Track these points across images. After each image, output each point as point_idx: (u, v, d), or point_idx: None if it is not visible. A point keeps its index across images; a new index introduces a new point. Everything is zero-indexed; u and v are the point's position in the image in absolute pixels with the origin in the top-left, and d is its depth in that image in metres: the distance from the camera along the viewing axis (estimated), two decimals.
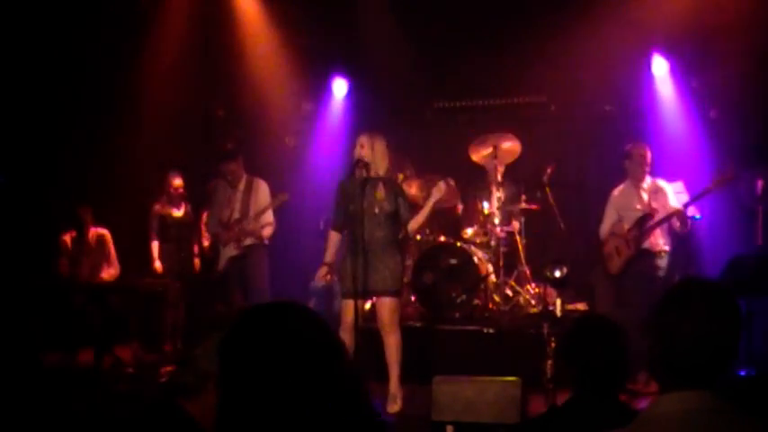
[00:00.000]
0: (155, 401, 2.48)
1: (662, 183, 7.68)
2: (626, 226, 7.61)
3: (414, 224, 6.78)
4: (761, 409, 2.02)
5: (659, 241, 7.55)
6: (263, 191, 7.94)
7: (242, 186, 7.97)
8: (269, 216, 7.92)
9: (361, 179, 6.56)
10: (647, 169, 7.65)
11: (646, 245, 7.52)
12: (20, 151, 9.58)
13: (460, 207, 9.38)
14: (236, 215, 7.90)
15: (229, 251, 7.88)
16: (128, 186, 10.07)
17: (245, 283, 7.86)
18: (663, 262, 7.50)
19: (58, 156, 9.93)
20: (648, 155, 7.61)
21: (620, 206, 7.75)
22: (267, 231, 7.95)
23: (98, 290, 8.89)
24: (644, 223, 7.51)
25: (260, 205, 7.87)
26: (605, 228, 7.83)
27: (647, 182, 7.67)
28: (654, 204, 7.56)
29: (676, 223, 7.47)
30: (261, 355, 1.69)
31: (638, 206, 7.61)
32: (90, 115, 9.99)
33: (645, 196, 7.62)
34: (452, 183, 7.98)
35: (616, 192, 7.84)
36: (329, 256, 6.84)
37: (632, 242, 7.50)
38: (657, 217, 7.49)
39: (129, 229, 9.69)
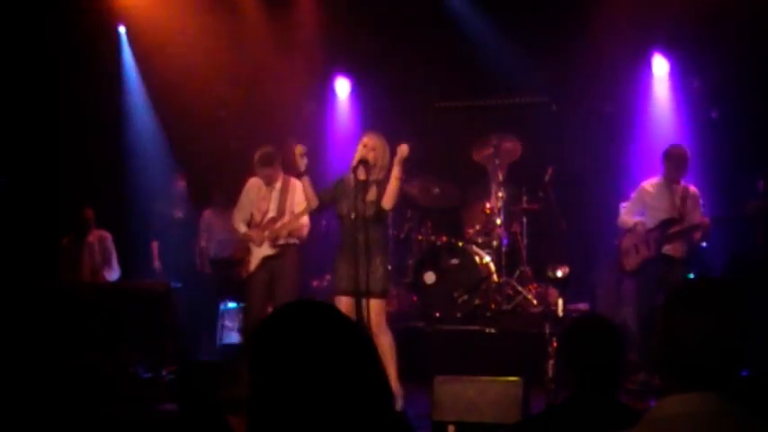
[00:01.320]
0: (200, 417, 2.44)
1: (693, 189, 7.61)
2: (648, 224, 7.54)
3: (387, 200, 6.55)
4: (764, 411, 2.01)
5: (682, 248, 7.49)
6: (300, 191, 7.85)
7: (278, 185, 7.87)
8: (305, 217, 7.85)
9: (359, 181, 6.53)
10: (684, 172, 7.57)
11: (668, 250, 7.45)
12: (21, 152, 9.60)
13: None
14: (272, 214, 7.80)
15: (264, 251, 7.77)
16: (130, 187, 10.10)
17: (274, 281, 7.75)
18: (679, 269, 7.44)
19: (59, 156, 9.95)
20: (687, 157, 7.52)
21: (649, 201, 7.63)
22: (305, 231, 7.86)
23: (99, 291, 8.89)
24: (668, 227, 7.44)
25: (297, 205, 7.77)
26: (627, 219, 7.72)
27: (681, 185, 7.59)
28: (683, 210, 7.49)
29: (698, 234, 7.44)
30: (292, 352, 1.69)
31: (668, 207, 7.51)
32: (91, 115, 10.01)
33: (676, 199, 7.56)
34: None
35: (648, 186, 7.69)
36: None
37: (653, 244, 7.43)
38: (684, 224, 7.44)
39: (131, 229, 9.70)
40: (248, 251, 7.82)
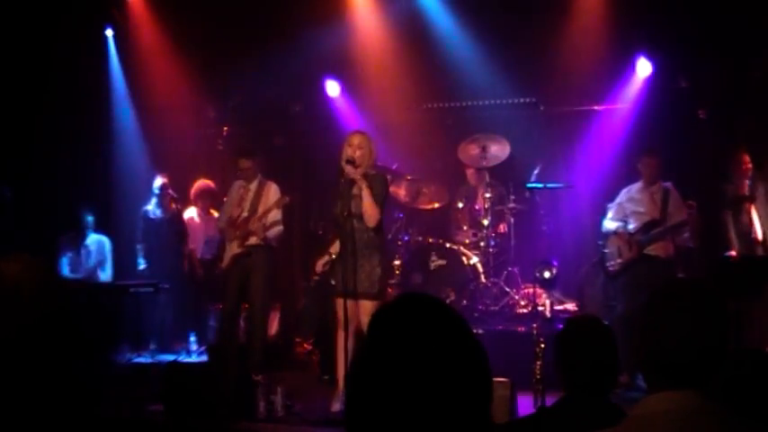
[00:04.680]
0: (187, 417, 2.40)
1: (673, 190, 7.64)
2: (631, 227, 7.57)
3: (367, 219, 6.52)
4: (747, 409, 2.03)
5: (666, 249, 7.51)
6: (273, 193, 7.91)
7: (254, 186, 7.95)
8: (275, 216, 7.87)
9: (348, 179, 6.54)
10: (661, 174, 7.59)
11: (651, 251, 7.47)
12: (20, 151, 9.57)
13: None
14: (245, 214, 7.88)
15: (234, 249, 7.86)
16: (120, 188, 10.09)
17: (246, 281, 7.82)
18: (667, 270, 7.46)
19: (57, 157, 9.92)
20: (662, 160, 7.54)
21: (630, 205, 7.66)
22: (273, 232, 7.87)
23: (88, 291, 8.89)
24: (650, 229, 7.46)
25: (267, 206, 7.85)
26: (610, 224, 7.74)
27: (661, 187, 7.61)
28: (664, 211, 7.50)
29: (685, 233, 7.46)
30: (414, 340, 1.67)
31: (649, 210, 7.54)
32: (83, 117, 9.98)
33: (657, 201, 7.58)
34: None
35: (628, 191, 7.74)
36: (333, 248, 6.82)
37: (635, 245, 7.45)
38: (666, 225, 7.46)
39: (124, 230, 9.69)
40: (224, 248, 7.91)
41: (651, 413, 1.93)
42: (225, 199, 8.31)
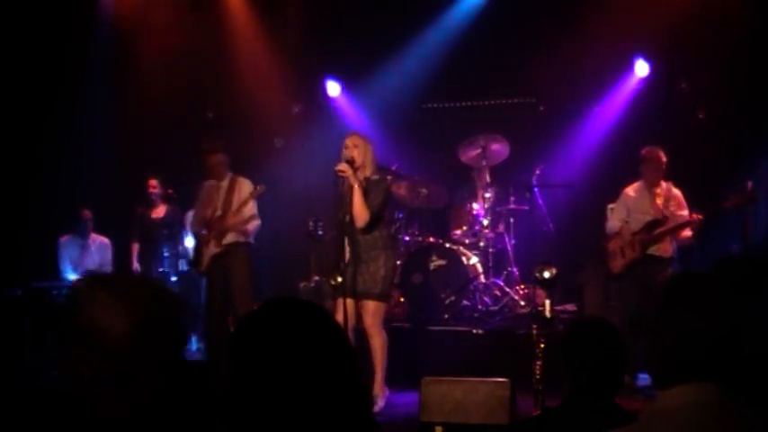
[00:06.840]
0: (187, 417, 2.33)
1: (675, 189, 7.61)
2: (633, 228, 7.55)
3: (357, 220, 6.46)
4: (763, 402, 2.03)
5: (668, 248, 7.50)
6: (246, 187, 7.84)
7: (225, 184, 7.87)
8: (252, 209, 7.81)
9: (346, 182, 6.51)
10: (663, 174, 7.56)
11: (655, 251, 7.45)
12: (20, 152, 9.58)
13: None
14: (219, 212, 7.82)
15: (211, 249, 7.81)
16: (119, 189, 10.09)
17: (226, 281, 7.79)
18: (669, 269, 7.45)
19: (58, 157, 9.93)
20: (664, 159, 7.50)
21: (632, 206, 7.63)
22: (252, 225, 7.82)
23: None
24: (653, 228, 7.45)
25: (242, 200, 7.78)
26: (614, 224, 7.74)
27: (662, 186, 7.59)
28: (666, 211, 7.50)
29: (687, 232, 7.44)
30: (271, 349, 1.71)
31: (650, 210, 7.51)
32: (82, 117, 9.99)
33: (659, 201, 7.55)
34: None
35: (630, 190, 7.69)
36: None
37: (638, 245, 7.44)
38: (669, 224, 7.45)
39: (122, 232, 9.71)
40: (200, 251, 7.90)
41: (670, 407, 1.93)
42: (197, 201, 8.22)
